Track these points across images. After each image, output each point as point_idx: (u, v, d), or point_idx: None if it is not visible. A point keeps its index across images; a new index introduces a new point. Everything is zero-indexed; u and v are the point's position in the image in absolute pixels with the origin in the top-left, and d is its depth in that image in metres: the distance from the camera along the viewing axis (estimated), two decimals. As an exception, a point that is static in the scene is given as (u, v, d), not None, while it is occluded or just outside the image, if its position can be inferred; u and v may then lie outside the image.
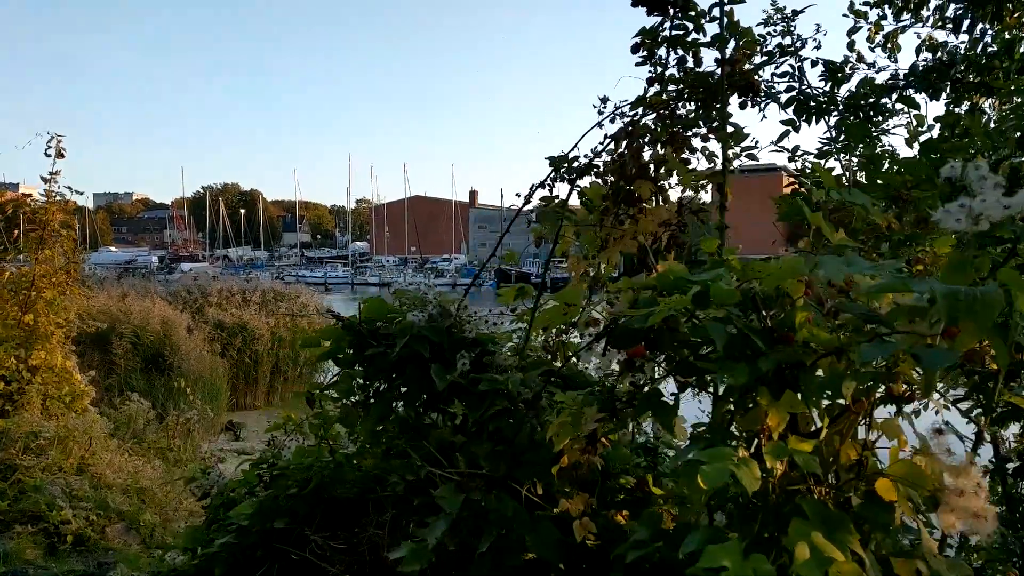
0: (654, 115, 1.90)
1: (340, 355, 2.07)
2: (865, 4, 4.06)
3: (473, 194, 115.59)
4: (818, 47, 3.74)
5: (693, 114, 1.93)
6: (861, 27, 4.06)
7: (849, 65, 3.86)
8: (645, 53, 1.91)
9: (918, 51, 4.03)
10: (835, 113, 3.47)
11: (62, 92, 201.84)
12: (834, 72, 3.54)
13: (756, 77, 1.90)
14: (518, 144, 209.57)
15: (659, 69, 1.92)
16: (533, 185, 2.11)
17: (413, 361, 1.61)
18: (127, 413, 7.42)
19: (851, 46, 3.99)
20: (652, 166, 1.87)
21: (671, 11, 1.84)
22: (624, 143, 1.85)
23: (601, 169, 1.91)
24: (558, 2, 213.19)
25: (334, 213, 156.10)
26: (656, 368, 1.35)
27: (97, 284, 13.89)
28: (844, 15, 4.12)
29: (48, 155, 6.85)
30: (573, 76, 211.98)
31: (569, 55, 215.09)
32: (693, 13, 1.81)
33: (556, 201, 1.97)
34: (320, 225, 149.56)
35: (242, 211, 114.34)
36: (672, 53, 1.89)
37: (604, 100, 1.85)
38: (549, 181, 2.07)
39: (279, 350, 15.40)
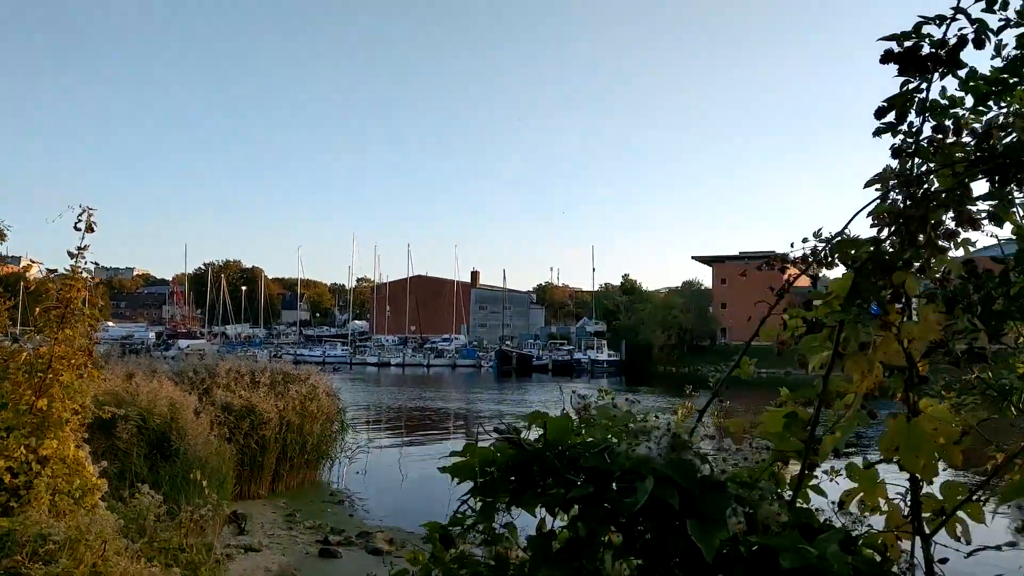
0: (902, 192, 1.54)
1: (486, 480, 1.65)
2: None
3: (475, 274, 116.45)
4: None
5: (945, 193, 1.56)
6: None
7: None
8: (892, 119, 1.57)
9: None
10: None
11: (61, 162, 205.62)
12: None
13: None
14: (521, 226, 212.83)
15: (908, 139, 1.57)
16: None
17: (651, 513, 1.18)
18: (137, 508, 6.81)
19: None
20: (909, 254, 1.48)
21: (932, 70, 1.51)
22: (888, 227, 1.47)
23: (852, 257, 1.53)
24: (564, 77, 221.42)
25: (334, 291, 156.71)
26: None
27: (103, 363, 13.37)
28: None
29: (78, 229, 6.53)
30: (574, 157, 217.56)
31: (572, 136, 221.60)
32: (963, 74, 1.49)
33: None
34: (320, 303, 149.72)
35: (243, 288, 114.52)
36: (926, 120, 1.55)
37: (882, 177, 1.49)
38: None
39: (287, 435, 14.75)
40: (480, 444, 1.56)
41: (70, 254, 6.62)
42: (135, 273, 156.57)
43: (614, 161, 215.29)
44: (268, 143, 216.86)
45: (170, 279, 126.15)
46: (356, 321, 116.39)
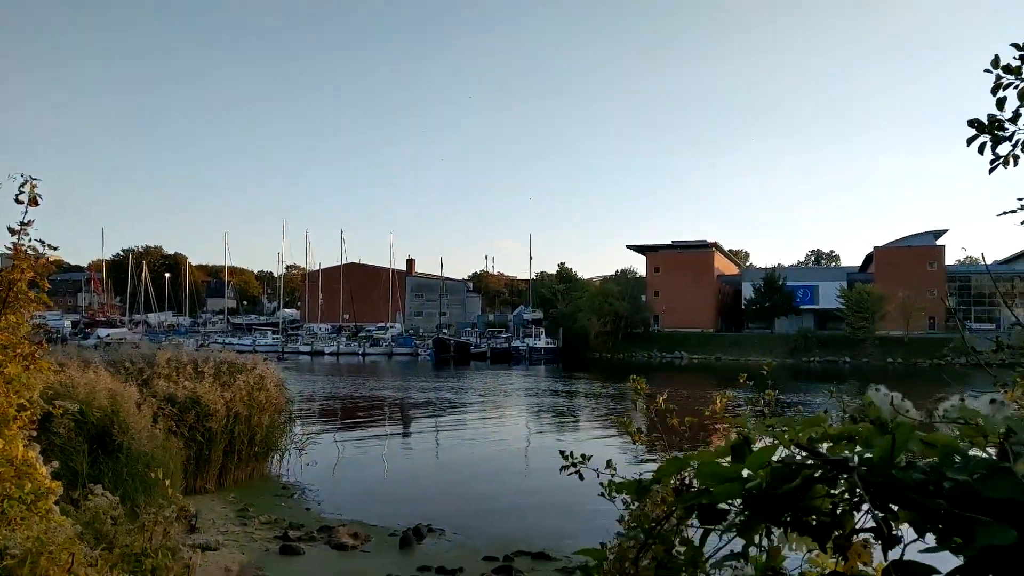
0: None
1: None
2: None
3: (410, 262, 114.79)
4: None
5: None
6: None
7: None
8: None
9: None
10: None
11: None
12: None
13: None
14: (457, 216, 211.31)
15: None
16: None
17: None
18: (92, 510, 6.18)
19: None
20: None
21: None
22: None
23: None
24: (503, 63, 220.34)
25: (261, 279, 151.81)
26: None
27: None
28: None
29: (20, 202, 5.81)
30: (504, 147, 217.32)
31: (506, 129, 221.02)
32: None
33: None
34: (247, 291, 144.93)
35: (166, 275, 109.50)
36: None
37: None
38: None
39: (234, 426, 14.00)
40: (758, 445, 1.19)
41: (11, 230, 5.89)
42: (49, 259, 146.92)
43: (551, 151, 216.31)
44: (191, 124, 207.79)
45: (85, 266, 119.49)
46: (286, 309, 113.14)
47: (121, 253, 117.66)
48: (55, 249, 6.30)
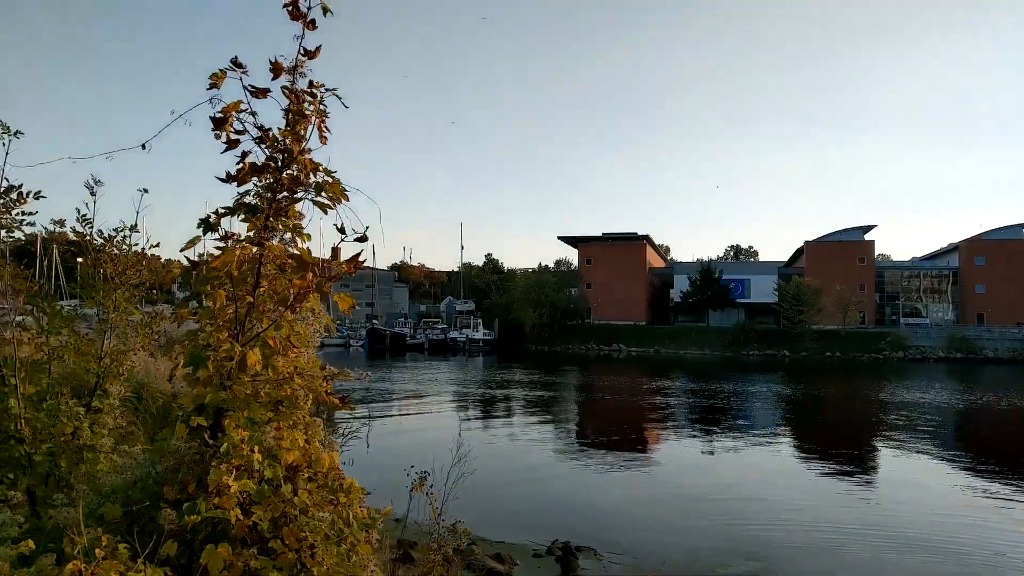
0: None
1: None
2: None
3: (335, 251, 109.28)
4: None
5: None
6: None
7: None
8: None
9: None
10: None
11: None
12: None
13: None
14: (387, 200, 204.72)
15: None
16: None
17: None
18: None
19: None
20: None
21: None
22: None
23: None
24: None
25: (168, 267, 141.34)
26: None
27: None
28: None
29: None
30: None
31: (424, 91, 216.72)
32: None
33: None
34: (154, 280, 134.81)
35: (78, 260, 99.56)
36: None
37: None
38: None
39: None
40: None
41: None
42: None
43: (474, 141, 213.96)
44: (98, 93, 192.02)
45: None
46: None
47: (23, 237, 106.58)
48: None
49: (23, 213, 5.44)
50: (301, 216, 3.46)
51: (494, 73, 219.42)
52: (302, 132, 3.22)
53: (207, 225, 3.30)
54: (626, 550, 10.43)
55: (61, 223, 6.28)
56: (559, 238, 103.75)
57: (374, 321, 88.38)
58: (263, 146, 3.20)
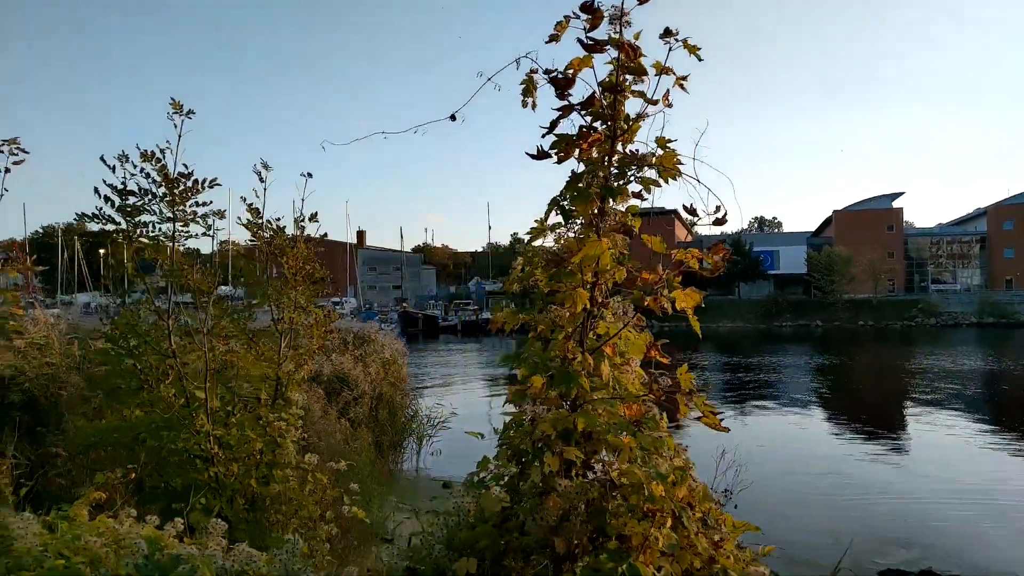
0: None
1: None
2: None
3: (361, 234, 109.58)
4: None
5: None
6: None
7: None
8: None
9: None
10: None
11: None
12: None
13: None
14: (411, 185, 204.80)
15: None
16: None
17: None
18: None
19: None
20: None
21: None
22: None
23: None
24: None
25: (188, 254, 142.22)
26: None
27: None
28: None
29: None
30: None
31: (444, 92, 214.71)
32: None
33: None
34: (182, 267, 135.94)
35: (100, 252, 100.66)
36: None
37: None
38: None
39: (379, 409, 11.13)
40: None
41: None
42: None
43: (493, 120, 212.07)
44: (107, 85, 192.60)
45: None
46: (223, 287, 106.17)
47: (40, 230, 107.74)
48: None
49: (197, 204, 4.97)
50: (632, 196, 2.90)
51: (519, 48, 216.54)
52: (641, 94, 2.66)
53: (565, 214, 2.76)
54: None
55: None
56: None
57: (404, 303, 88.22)
58: (583, 113, 2.66)
